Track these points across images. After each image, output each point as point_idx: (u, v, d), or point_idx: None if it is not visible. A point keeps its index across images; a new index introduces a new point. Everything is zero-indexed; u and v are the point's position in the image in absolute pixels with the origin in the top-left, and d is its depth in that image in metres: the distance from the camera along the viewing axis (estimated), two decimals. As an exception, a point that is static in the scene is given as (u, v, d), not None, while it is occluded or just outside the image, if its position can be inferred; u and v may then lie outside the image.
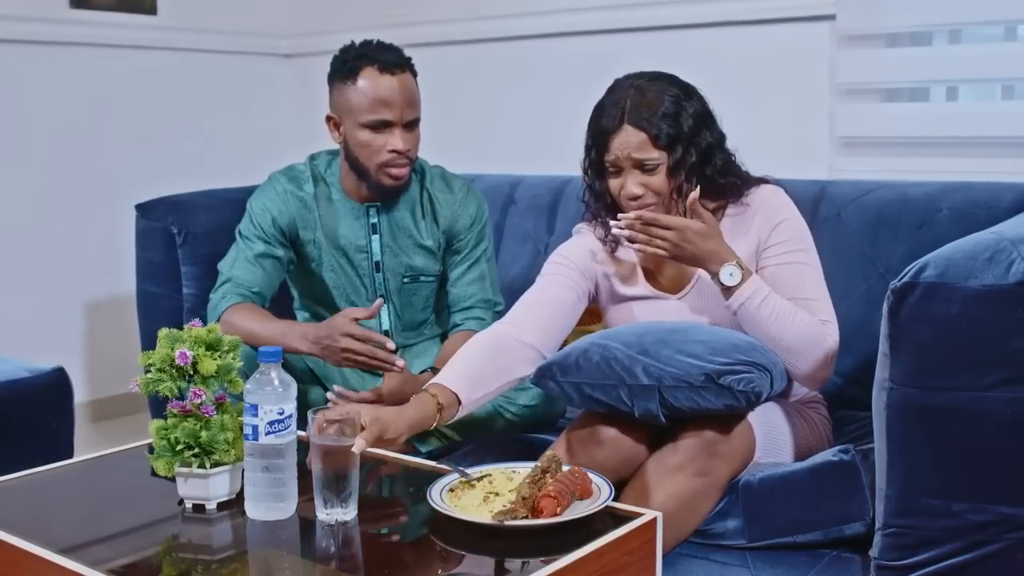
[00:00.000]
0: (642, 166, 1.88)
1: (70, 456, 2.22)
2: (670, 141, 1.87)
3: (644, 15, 3.08)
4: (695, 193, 1.83)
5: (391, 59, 2.23)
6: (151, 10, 3.60)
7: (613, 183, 1.93)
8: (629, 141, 1.87)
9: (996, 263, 1.47)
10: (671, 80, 1.93)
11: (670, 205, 1.92)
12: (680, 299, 1.99)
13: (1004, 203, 2.16)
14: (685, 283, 1.99)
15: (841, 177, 2.67)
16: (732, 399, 1.72)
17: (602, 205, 2.00)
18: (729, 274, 1.82)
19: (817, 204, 2.35)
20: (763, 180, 1.99)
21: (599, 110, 1.93)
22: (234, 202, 2.65)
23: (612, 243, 2.03)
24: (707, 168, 1.91)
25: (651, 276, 2.03)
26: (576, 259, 2.02)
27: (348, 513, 1.50)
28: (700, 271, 1.93)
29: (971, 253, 1.50)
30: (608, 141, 1.90)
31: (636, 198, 1.90)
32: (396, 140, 2.21)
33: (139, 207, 2.74)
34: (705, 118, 1.92)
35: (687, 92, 1.92)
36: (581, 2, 3.21)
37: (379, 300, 2.13)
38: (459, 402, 1.77)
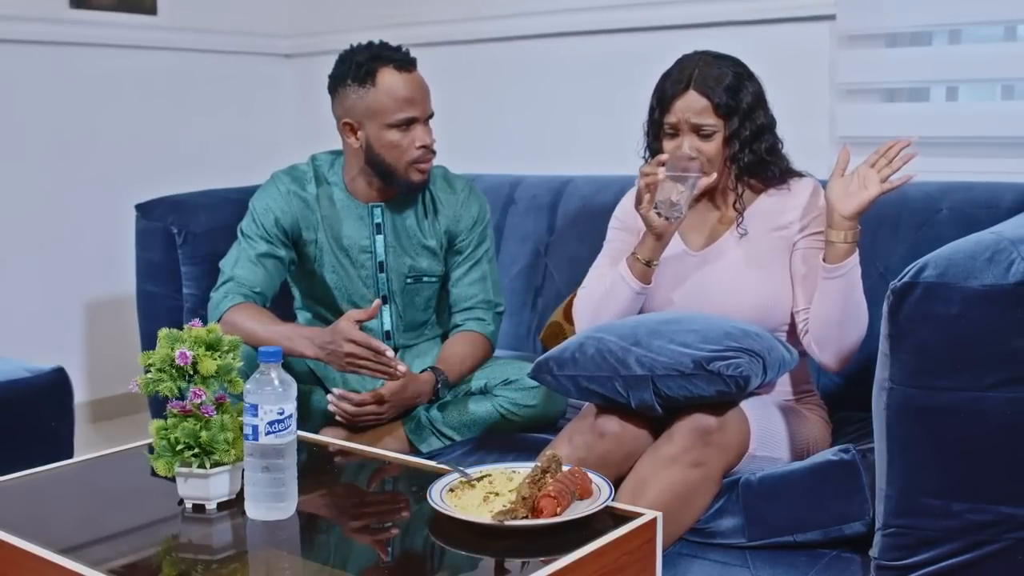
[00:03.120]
0: (699, 130, 1.98)
1: (70, 456, 2.22)
2: (729, 111, 1.97)
3: (644, 15, 3.08)
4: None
5: (404, 57, 2.26)
6: (151, 10, 3.60)
7: (669, 144, 2.01)
8: (692, 105, 1.97)
9: (996, 263, 1.47)
10: (735, 61, 2.04)
11: (722, 173, 2.01)
12: (694, 254, 2.06)
13: (1004, 203, 2.16)
14: (706, 244, 2.07)
15: (841, 177, 2.67)
16: (722, 385, 1.76)
17: None
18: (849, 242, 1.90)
19: (817, 204, 2.35)
20: (805, 174, 2.08)
21: (666, 76, 2.03)
22: (234, 202, 2.65)
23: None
24: (755, 145, 2.00)
25: (683, 231, 2.10)
26: (627, 219, 2.14)
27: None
28: (723, 238, 2.04)
29: (971, 253, 1.50)
30: (671, 103, 1.99)
31: (689, 159, 1.99)
32: (423, 135, 2.25)
33: (139, 207, 2.74)
34: (761, 100, 2.03)
35: (748, 74, 2.03)
36: (581, 2, 3.21)
37: (377, 301, 2.13)
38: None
